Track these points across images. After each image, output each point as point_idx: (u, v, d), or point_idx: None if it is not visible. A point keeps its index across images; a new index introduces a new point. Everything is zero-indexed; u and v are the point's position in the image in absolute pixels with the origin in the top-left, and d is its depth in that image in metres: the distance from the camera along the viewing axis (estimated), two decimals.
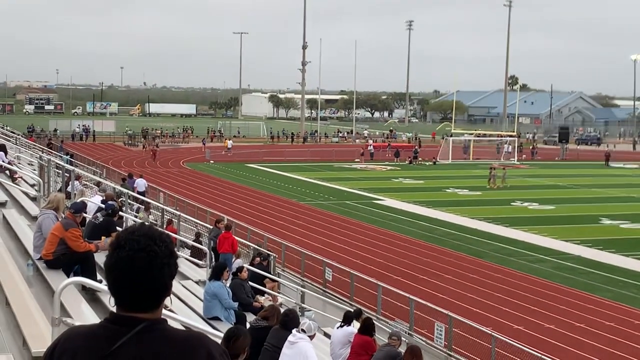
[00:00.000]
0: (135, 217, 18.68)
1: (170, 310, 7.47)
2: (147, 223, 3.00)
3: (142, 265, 2.59)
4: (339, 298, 22.96)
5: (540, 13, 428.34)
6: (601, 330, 22.17)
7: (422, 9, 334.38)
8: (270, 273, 18.72)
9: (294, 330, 9.56)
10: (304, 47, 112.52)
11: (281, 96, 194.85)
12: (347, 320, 13.80)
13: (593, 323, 22.79)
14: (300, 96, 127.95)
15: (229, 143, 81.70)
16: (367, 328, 12.84)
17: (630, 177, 64.93)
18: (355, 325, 13.72)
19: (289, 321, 9.56)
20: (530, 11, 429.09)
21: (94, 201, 14.80)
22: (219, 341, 6.16)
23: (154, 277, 2.61)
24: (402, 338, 13.61)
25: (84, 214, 12.41)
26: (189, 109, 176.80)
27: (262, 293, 16.23)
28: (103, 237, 10.87)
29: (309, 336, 9.44)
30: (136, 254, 2.59)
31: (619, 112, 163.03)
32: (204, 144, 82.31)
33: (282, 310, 10.50)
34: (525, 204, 47.00)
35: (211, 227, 21.05)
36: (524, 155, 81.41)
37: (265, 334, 9.52)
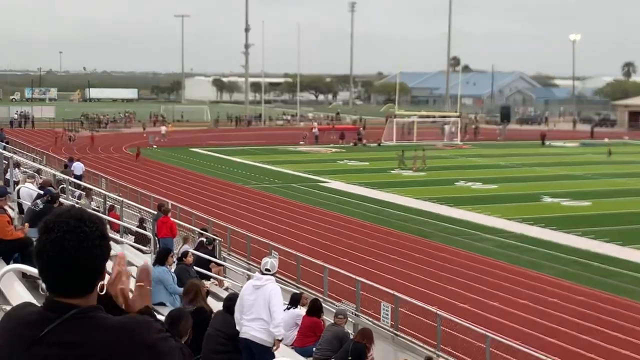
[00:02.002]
0: (77, 204, 18.34)
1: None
2: (87, 208, 2.89)
3: (72, 247, 2.49)
4: (285, 281, 22.91)
5: None
6: (544, 306, 22.52)
7: None
8: (215, 257, 18.58)
9: (256, 273, 9.71)
10: (247, 30, 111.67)
11: (225, 80, 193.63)
12: (293, 302, 13.80)
13: (536, 299, 23.14)
14: (244, 79, 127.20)
15: (163, 129, 79.54)
16: (316, 309, 12.85)
17: (570, 155, 66.12)
18: (302, 308, 13.71)
19: (233, 305, 9.52)
20: None
21: (28, 187, 14.46)
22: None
23: (84, 259, 2.51)
24: (349, 318, 13.64)
25: (23, 201, 12.13)
26: (131, 93, 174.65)
27: (208, 278, 16.10)
28: None
29: (272, 274, 9.61)
30: (65, 235, 2.49)
31: (558, 91, 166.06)
32: (144, 129, 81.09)
33: (202, 286, 10.33)
34: (469, 183, 47.52)
35: (155, 212, 20.82)
36: (467, 136, 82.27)
37: (198, 317, 9.36)
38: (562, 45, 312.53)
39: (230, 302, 9.61)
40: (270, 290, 9.51)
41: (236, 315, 9.46)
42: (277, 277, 10.46)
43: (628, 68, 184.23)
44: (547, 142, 76.37)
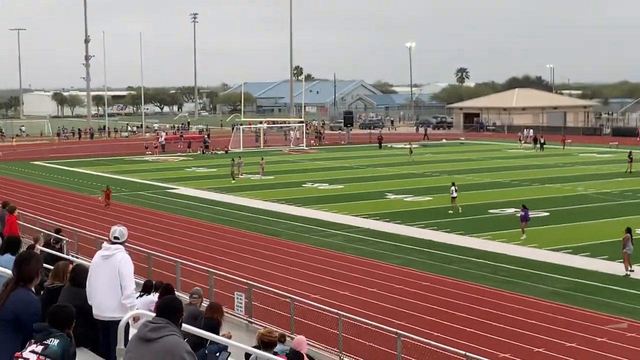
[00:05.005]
0: None
1: None
2: None
3: None
4: (137, 277, 22.77)
5: (318, 6, 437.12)
6: (391, 292, 23.49)
7: (205, 4, 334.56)
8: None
9: (104, 243, 9.22)
10: (87, 41, 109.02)
11: (65, 94, 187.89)
12: (146, 289, 13.88)
13: (384, 287, 24.08)
14: (85, 93, 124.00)
15: None
16: (168, 293, 12.93)
17: (409, 156, 68.54)
18: (156, 295, 13.79)
19: (80, 277, 9.19)
20: (309, 4, 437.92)
21: None
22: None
23: None
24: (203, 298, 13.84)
25: None
26: None
27: None
28: None
29: (121, 243, 9.06)
30: None
31: (397, 97, 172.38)
32: None
33: (68, 268, 10.00)
34: (316, 184, 48.53)
35: None
36: (312, 141, 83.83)
37: (55, 295, 9.19)
38: (400, 53, 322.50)
39: (76, 274, 9.25)
40: (120, 260, 8.88)
41: (87, 289, 8.92)
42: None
43: (462, 74, 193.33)
44: (389, 145, 78.73)
